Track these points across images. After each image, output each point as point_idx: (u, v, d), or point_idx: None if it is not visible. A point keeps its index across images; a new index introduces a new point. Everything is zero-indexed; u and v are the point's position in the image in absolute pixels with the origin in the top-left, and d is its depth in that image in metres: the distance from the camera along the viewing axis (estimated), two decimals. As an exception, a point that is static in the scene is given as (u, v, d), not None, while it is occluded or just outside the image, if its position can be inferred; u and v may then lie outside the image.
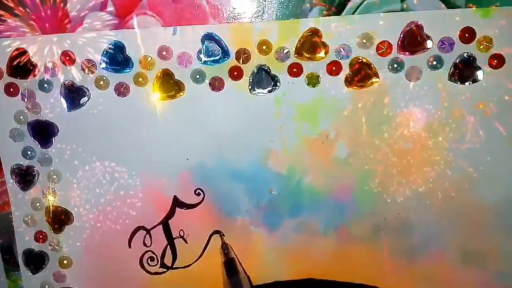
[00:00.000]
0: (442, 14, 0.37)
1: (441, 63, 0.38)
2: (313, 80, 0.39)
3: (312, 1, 0.37)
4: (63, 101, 0.40)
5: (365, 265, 0.43)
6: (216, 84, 0.39)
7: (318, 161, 0.41)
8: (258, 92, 0.39)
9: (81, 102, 0.40)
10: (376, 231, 0.42)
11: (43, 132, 0.41)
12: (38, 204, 0.43)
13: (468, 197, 0.41)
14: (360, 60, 0.38)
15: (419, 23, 0.37)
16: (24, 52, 0.39)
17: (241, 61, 0.39)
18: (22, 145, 0.42)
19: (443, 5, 0.37)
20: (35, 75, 0.40)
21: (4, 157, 0.42)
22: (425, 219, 0.41)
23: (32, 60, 0.39)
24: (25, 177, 0.42)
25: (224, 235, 0.43)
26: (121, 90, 0.40)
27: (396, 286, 0.43)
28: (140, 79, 0.39)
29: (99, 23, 0.39)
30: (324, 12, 0.37)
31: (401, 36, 0.38)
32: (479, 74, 0.38)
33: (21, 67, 0.40)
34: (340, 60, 0.38)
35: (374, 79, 0.38)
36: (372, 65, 0.38)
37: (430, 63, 0.38)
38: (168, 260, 0.44)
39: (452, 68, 0.38)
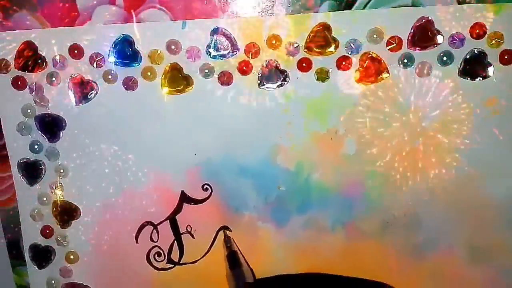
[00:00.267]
0: (453, 10, 0.37)
1: (451, 59, 0.38)
2: (322, 75, 0.39)
3: (322, -5, 0.37)
4: (71, 95, 0.40)
5: (373, 262, 0.42)
6: (225, 79, 0.39)
7: (326, 157, 0.41)
8: (267, 87, 0.39)
9: (89, 96, 0.40)
10: (384, 227, 0.42)
11: (51, 126, 0.41)
12: (45, 199, 0.43)
13: (477, 194, 0.41)
14: (370, 55, 0.38)
15: (430, 18, 0.37)
16: (32, 46, 0.39)
17: (250, 56, 0.38)
18: (29, 139, 0.42)
19: (454, 0, 0.37)
20: (43, 69, 0.40)
21: (11, 151, 0.42)
22: (434, 216, 0.41)
23: (41, 53, 0.39)
24: (32, 171, 0.42)
25: (229, 230, 0.43)
26: (130, 84, 0.40)
27: (404, 282, 0.43)
28: (149, 73, 0.39)
29: (108, 17, 0.38)
30: (335, 6, 0.37)
31: (412, 31, 0.37)
32: (490, 70, 0.38)
33: (29, 60, 0.39)
34: (350, 55, 0.38)
35: (384, 75, 0.38)
36: (382, 60, 0.38)
37: (440, 59, 0.38)
38: (175, 256, 0.44)
39: (462, 64, 0.38)
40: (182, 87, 0.40)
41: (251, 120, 0.40)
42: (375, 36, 0.37)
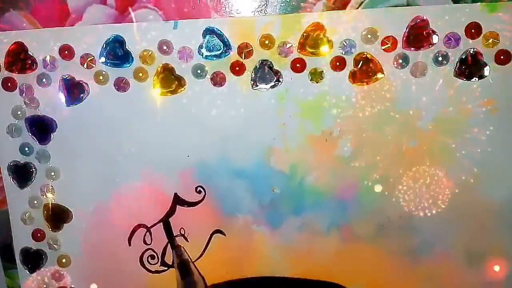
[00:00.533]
0: (448, 9, 0.36)
1: (447, 59, 0.37)
2: (316, 76, 0.38)
3: (316, -5, 0.37)
4: (61, 96, 0.40)
5: (368, 265, 0.42)
6: (218, 80, 0.39)
7: (321, 159, 0.40)
8: (260, 88, 0.39)
9: (80, 97, 0.40)
10: (379, 230, 0.41)
11: (41, 127, 0.41)
12: (35, 202, 0.42)
13: (473, 197, 0.40)
14: (365, 56, 0.37)
15: (424, 18, 0.37)
16: (22, 46, 0.39)
17: (243, 56, 0.38)
18: (19, 141, 0.41)
19: (449, 0, 0.36)
20: (33, 70, 0.39)
21: (1, 154, 0.42)
22: (429, 219, 0.41)
23: (31, 54, 0.39)
24: (23, 174, 0.42)
25: (222, 233, 0.42)
26: (121, 85, 0.39)
27: (399, 286, 0.42)
28: (140, 74, 0.39)
29: (99, 17, 0.38)
30: (328, 6, 0.37)
31: (407, 31, 0.37)
32: (486, 70, 0.37)
33: (19, 61, 0.39)
34: (344, 56, 0.38)
35: (379, 75, 0.38)
36: (377, 61, 0.38)
37: (435, 59, 0.37)
38: (168, 259, 0.43)
39: (458, 64, 0.37)
40: (174, 87, 0.39)
41: (245, 121, 0.40)
42: (369, 36, 0.37)
